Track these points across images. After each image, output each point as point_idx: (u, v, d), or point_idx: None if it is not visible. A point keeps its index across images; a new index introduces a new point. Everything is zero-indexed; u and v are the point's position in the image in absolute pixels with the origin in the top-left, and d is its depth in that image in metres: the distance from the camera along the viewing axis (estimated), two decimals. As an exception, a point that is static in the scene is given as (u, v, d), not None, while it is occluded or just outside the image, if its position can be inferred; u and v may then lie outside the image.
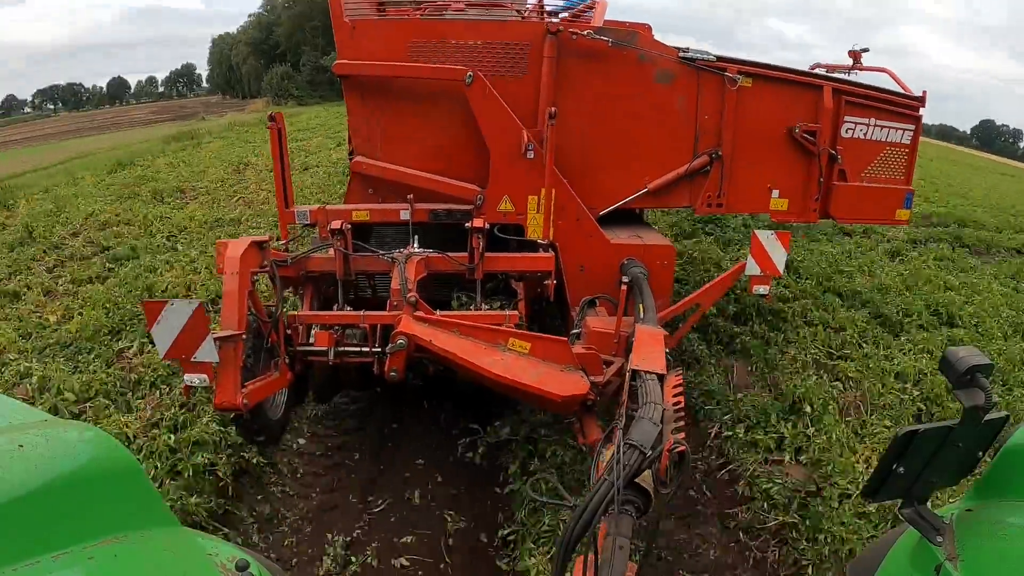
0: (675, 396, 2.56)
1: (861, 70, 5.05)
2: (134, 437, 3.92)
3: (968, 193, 16.44)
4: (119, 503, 1.29)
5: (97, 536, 1.20)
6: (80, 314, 5.82)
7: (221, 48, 63.79)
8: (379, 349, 3.66)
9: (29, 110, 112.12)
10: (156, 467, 3.68)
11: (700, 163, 4.47)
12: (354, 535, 3.77)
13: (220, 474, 3.79)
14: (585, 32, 4.04)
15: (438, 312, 3.72)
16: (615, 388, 3.35)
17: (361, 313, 3.80)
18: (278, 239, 4.26)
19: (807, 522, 3.54)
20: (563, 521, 3.22)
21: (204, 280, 6.60)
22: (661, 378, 2.64)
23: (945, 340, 5.81)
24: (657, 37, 4.46)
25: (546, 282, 4.04)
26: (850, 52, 5.07)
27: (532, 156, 4.07)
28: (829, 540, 3.39)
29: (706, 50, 4.39)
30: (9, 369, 4.85)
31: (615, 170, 4.45)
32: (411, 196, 4.11)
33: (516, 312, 3.84)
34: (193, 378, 3.09)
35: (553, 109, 3.94)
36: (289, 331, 3.83)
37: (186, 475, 3.64)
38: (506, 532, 3.70)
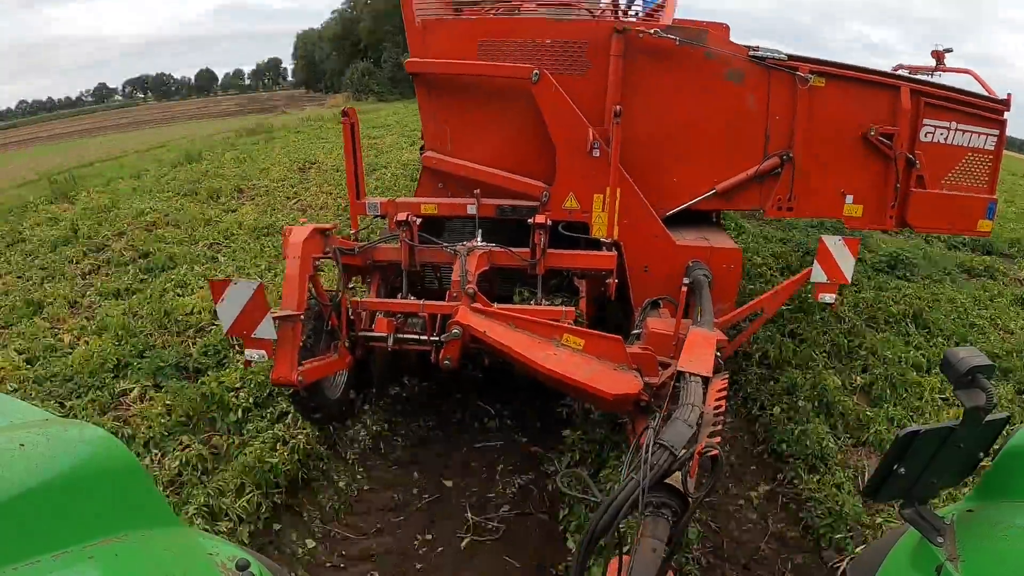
0: (718, 400, 2.52)
1: (944, 71, 4.92)
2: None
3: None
4: (120, 502, 1.29)
5: (97, 535, 1.20)
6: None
7: (305, 43, 64.76)
8: (437, 338, 3.75)
9: (119, 98, 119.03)
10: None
11: (770, 165, 4.35)
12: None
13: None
14: (652, 30, 3.99)
15: (495, 305, 3.75)
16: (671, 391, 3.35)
17: (421, 302, 3.92)
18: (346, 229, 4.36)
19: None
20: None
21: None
22: (706, 381, 2.60)
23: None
24: (737, 39, 4.34)
25: (608, 281, 4.04)
26: (933, 52, 4.92)
27: (598, 154, 4.05)
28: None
29: (778, 49, 4.27)
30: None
31: (683, 170, 4.38)
32: (478, 191, 4.19)
33: (573, 309, 3.84)
34: (253, 353, 3.31)
35: (618, 107, 3.91)
36: (352, 317, 3.98)
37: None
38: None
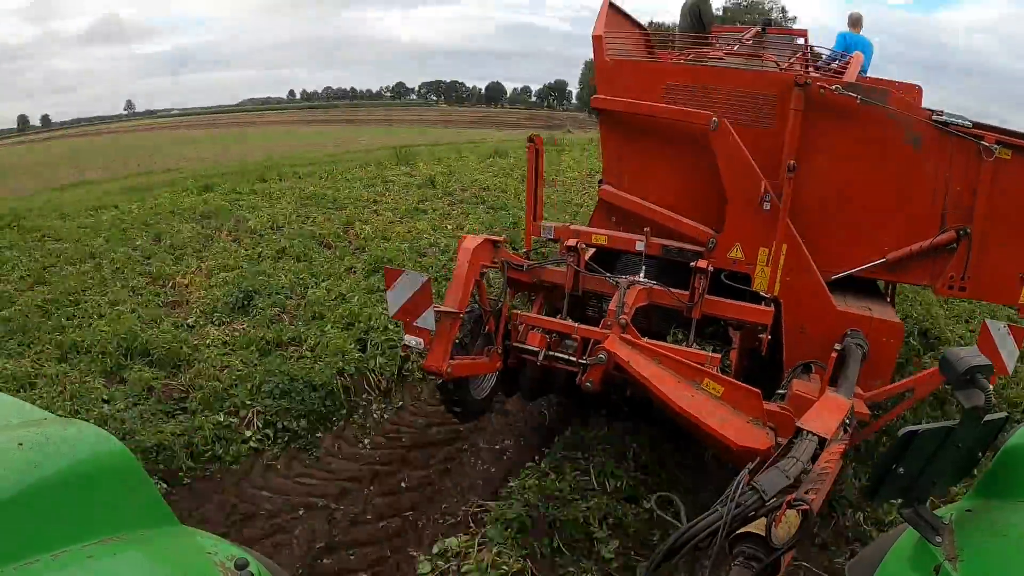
0: (827, 462, 2.47)
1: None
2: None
3: None
4: (119, 502, 1.29)
5: (97, 535, 1.20)
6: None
7: (590, 69, 66.52)
8: (583, 361, 3.86)
9: (414, 97, 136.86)
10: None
11: (945, 239, 4.03)
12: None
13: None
14: (834, 87, 3.88)
15: (645, 339, 3.78)
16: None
17: (575, 325, 4.01)
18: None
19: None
20: None
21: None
22: (823, 443, 2.55)
23: None
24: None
25: (761, 336, 4.00)
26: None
27: (768, 208, 3.98)
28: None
29: (962, 115, 4.02)
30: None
31: (853, 234, 4.18)
32: (647, 229, 4.24)
33: (718, 356, 3.82)
34: (411, 340, 3.55)
35: (792, 162, 3.84)
36: (510, 327, 4.14)
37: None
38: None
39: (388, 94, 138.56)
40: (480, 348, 4.05)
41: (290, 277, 7.22)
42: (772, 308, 4.02)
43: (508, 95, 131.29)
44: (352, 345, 5.55)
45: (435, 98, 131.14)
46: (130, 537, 1.25)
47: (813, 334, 4.08)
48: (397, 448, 4.75)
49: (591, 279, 4.25)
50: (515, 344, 4.14)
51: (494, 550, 3.50)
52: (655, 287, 4.06)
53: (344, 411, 5.03)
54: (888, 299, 5.00)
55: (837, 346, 3.63)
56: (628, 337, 3.64)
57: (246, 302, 6.50)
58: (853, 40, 6.50)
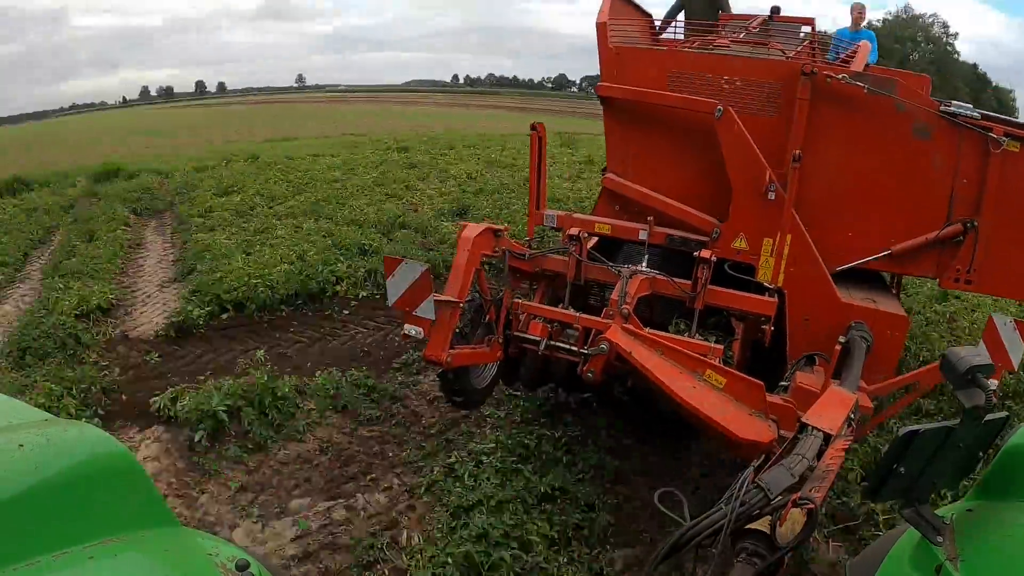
0: (833, 459, 2.43)
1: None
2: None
3: None
4: (119, 503, 1.29)
5: (97, 536, 1.19)
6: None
7: None
8: (585, 351, 3.84)
9: (575, 90, 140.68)
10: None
11: (951, 231, 3.98)
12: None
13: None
14: (840, 76, 3.82)
15: (647, 329, 3.75)
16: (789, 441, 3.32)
17: (577, 314, 3.99)
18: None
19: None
20: None
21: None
22: (828, 439, 2.51)
23: None
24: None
25: (764, 327, 3.97)
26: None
27: (773, 197, 3.94)
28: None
29: (969, 105, 3.96)
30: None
31: (858, 226, 4.13)
32: (651, 218, 4.23)
33: (721, 347, 3.80)
34: (411, 328, 3.58)
35: (798, 152, 3.79)
36: (511, 316, 4.15)
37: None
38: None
39: (549, 84, 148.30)
40: (481, 337, 4.05)
41: (489, 203, 11.19)
42: (776, 299, 3.99)
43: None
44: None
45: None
46: (131, 538, 1.25)
47: (817, 326, 4.04)
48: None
49: (593, 268, 4.23)
50: (516, 333, 4.13)
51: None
52: (658, 276, 4.03)
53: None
54: (894, 292, 4.94)
55: (841, 338, 3.60)
56: (630, 327, 3.61)
57: (463, 212, 10.63)
58: (852, 37, 6.40)
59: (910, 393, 3.93)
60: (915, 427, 1.45)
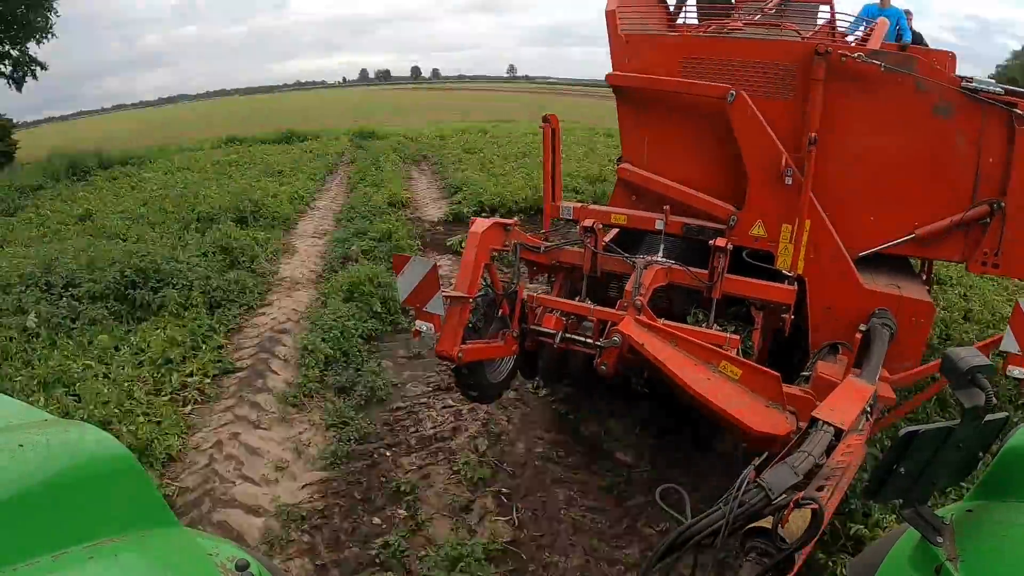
0: (844, 456, 2.35)
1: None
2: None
3: None
4: (119, 503, 1.29)
5: (97, 536, 1.19)
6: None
7: None
8: (599, 343, 3.83)
9: None
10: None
11: (977, 213, 3.82)
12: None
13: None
14: (856, 55, 3.67)
15: (662, 320, 3.69)
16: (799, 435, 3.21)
17: (591, 306, 3.96)
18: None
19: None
20: None
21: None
22: (839, 434, 2.40)
23: None
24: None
25: (783, 316, 3.88)
26: None
27: (790, 182, 3.81)
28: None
29: (991, 80, 3.80)
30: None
31: (880, 209, 3.98)
32: (667, 207, 4.18)
33: (737, 337, 3.69)
34: (422, 325, 3.62)
35: (813, 135, 3.66)
36: (526, 310, 4.14)
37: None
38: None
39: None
40: (495, 332, 4.03)
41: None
42: (795, 287, 3.89)
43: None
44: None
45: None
46: (131, 538, 1.25)
47: (839, 314, 3.93)
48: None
49: (609, 260, 4.19)
50: (531, 327, 4.11)
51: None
52: (674, 267, 3.96)
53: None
54: (924, 278, 4.78)
55: (862, 327, 3.50)
56: (643, 319, 3.55)
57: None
58: (880, 13, 6.22)
59: (936, 382, 3.82)
60: (915, 427, 1.45)
